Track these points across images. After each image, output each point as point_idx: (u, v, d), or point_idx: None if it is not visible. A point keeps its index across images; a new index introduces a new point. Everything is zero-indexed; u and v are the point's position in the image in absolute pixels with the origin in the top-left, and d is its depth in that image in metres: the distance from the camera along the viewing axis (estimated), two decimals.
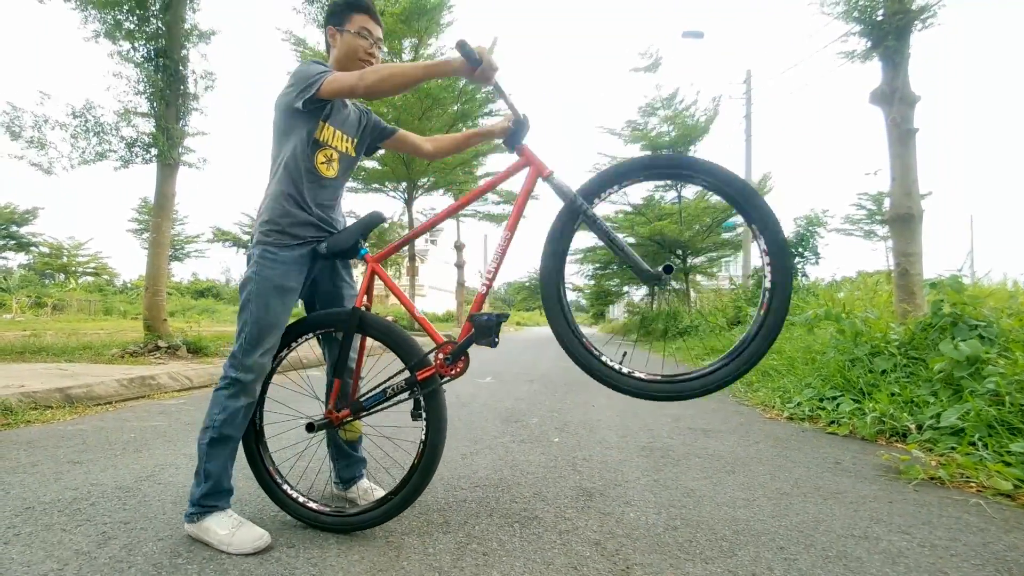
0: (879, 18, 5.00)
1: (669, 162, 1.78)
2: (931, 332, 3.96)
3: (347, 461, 2.23)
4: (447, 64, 1.71)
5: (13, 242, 38.61)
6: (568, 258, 1.84)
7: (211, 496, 1.83)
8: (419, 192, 19.51)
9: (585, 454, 3.04)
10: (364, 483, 2.25)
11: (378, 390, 1.95)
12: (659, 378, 1.70)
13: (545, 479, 2.58)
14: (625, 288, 27.26)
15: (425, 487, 1.88)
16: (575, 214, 1.77)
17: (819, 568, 1.69)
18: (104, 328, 14.39)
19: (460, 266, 24.02)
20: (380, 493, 2.17)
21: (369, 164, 17.17)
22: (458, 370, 1.90)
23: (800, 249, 10.28)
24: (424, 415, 1.88)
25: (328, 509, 1.97)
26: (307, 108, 1.86)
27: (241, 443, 2.00)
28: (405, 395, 1.91)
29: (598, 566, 1.70)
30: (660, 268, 1.66)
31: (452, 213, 2.17)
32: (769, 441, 3.40)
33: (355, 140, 2.12)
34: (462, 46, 1.63)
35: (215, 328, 13.57)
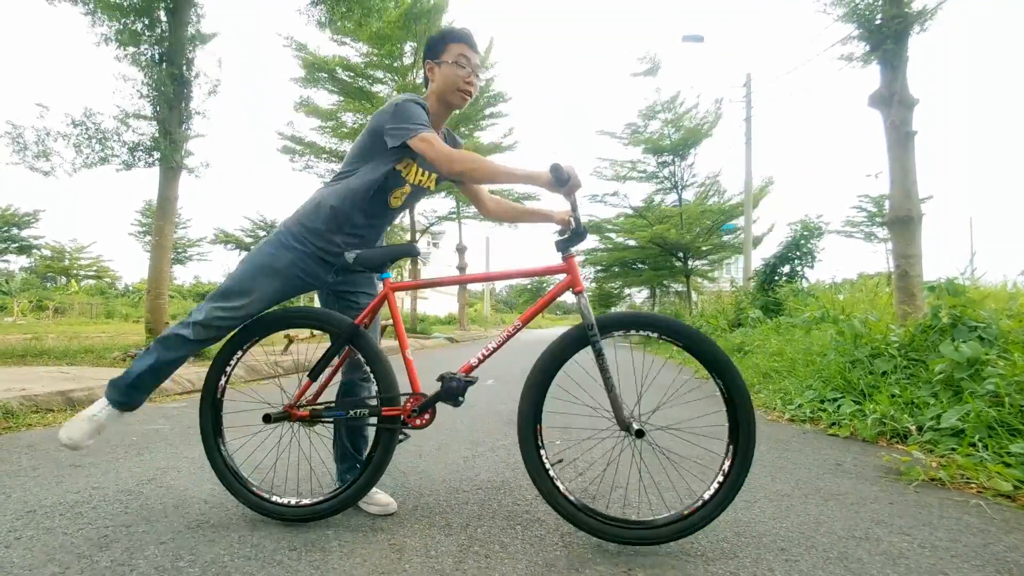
0: (878, 22, 5.02)
1: (687, 336, 1.87)
2: (931, 334, 3.96)
3: (350, 464, 2.23)
4: (538, 177, 1.79)
5: (14, 245, 38.62)
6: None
7: (120, 404, 2.06)
8: None
9: (588, 456, 3.04)
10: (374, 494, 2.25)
11: (341, 409, 2.06)
12: (615, 523, 1.83)
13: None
14: (627, 291, 27.30)
15: (359, 499, 2.03)
16: (584, 341, 1.87)
17: (820, 569, 1.69)
18: (106, 331, 14.41)
19: (462, 269, 24.03)
20: (383, 497, 2.19)
21: None
22: (423, 422, 1.99)
23: (796, 252, 10.28)
24: (374, 447, 2.01)
25: (284, 501, 2.04)
26: (390, 148, 1.96)
27: (202, 441, 2.14)
28: (360, 419, 2.05)
29: (600, 568, 1.70)
30: (636, 427, 1.81)
31: (483, 280, 2.26)
32: (770, 443, 3.41)
33: (435, 176, 2.16)
34: (555, 169, 1.74)
35: None
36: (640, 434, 1.80)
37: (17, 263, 42.02)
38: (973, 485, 2.50)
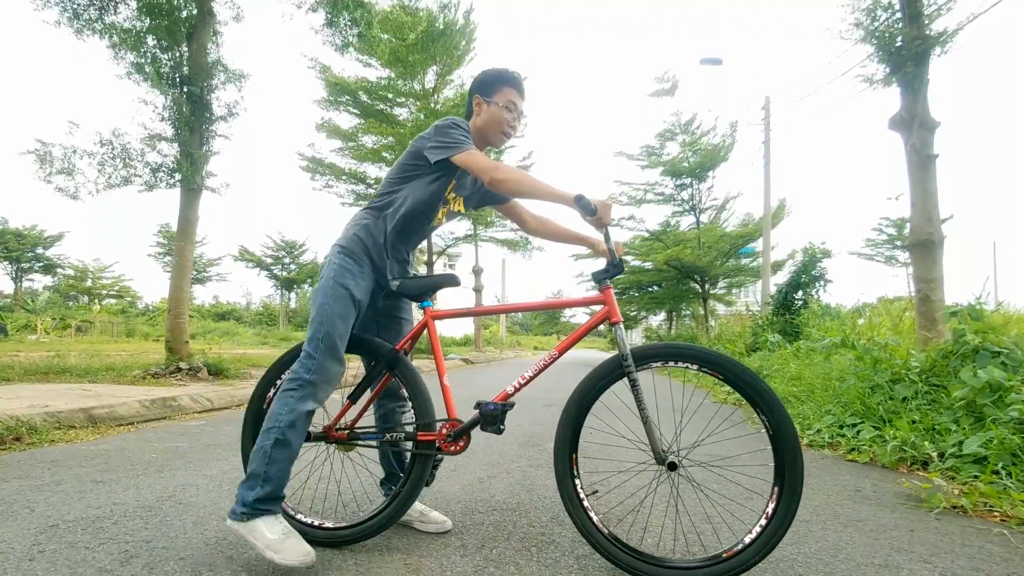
0: (898, 44, 5.03)
1: (727, 369, 1.81)
2: (952, 359, 3.91)
3: (395, 481, 2.24)
4: (569, 199, 1.81)
5: (39, 264, 39.51)
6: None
7: (266, 500, 1.80)
8: None
9: (603, 479, 3.03)
10: (417, 505, 2.26)
11: (377, 432, 2.09)
12: (648, 560, 1.78)
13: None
14: (643, 314, 27.17)
15: (394, 522, 1.99)
16: (620, 372, 1.86)
17: None
18: (126, 349, 14.60)
19: (478, 291, 24.11)
20: (437, 516, 2.23)
21: None
22: (458, 448, 1.99)
23: (806, 277, 10.22)
24: (408, 473, 1.99)
25: (318, 523, 2.03)
26: (435, 167, 2.00)
27: (241, 438, 2.13)
28: (397, 446, 2.09)
29: None
30: (668, 460, 1.80)
31: (520, 310, 2.27)
32: None
33: (463, 199, 2.23)
34: (579, 199, 1.79)
35: (235, 351, 13.71)
36: (672, 467, 1.78)
37: (41, 282, 42.95)
38: (996, 513, 2.45)
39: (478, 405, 1.95)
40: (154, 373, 7.17)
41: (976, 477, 2.81)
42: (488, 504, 2.55)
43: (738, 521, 2.33)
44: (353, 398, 2.12)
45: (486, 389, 8.03)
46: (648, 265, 20.81)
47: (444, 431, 1.99)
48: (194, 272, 34.45)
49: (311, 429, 2.05)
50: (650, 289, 22.45)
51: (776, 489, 1.70)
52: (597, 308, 1.99)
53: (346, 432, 2.09)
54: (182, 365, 7.39)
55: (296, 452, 1.88)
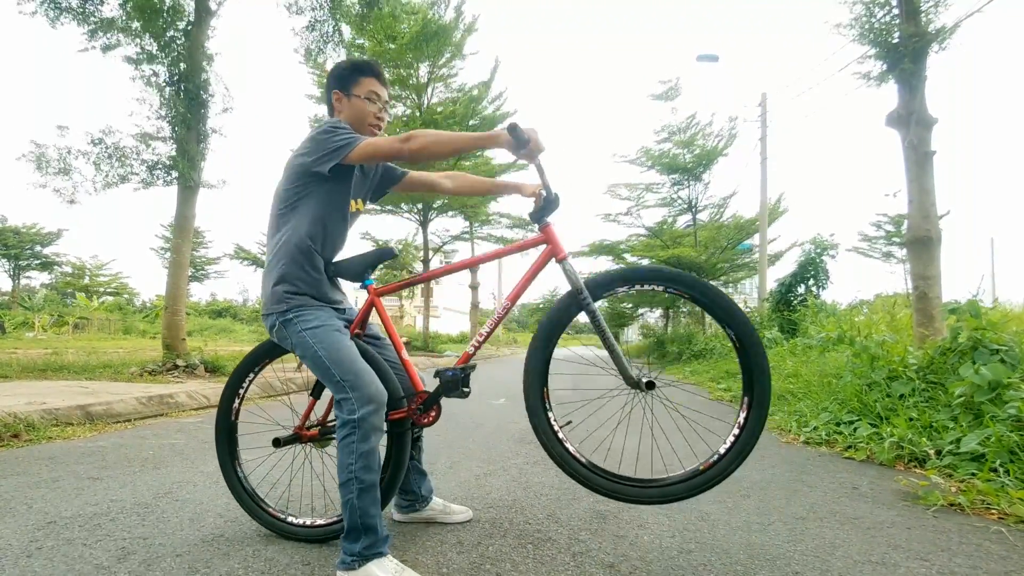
0: (895, 40, 5.01)
1: (692, 286, 1.81)
2: (950, 356, 3.91)
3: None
4: (497, 138, 1.74)
5: (37, 262, 39.44)
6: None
7: (371, 545, 1.69)
8: (434, 213, 19.69)
9: (575, 411, 3.03)
10: (437, 502, 2.28)
11: None
12: (629, 482, 1.81)
13: (559, 501, 2.57)
14: (640, 311, 27.15)
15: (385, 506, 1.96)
16: (577, 306, 1.83)
17: None
18: (123, 347, 14.59)
19: (474, 288, 24.12)
20: (458, 508, 2.28)
21: None
22: (430, 419, 1.97)
23: (810, 272, 10.21)
24: (388, 456, 1.95)
25: (300, 522, 2.04)
26: (332, 173, 1.83)
27: (220, 465, 2.12)
28: None
29: None
30: (644, 381, 1.77)
31: (464, 268, 2.22)
32: (785, 465, 3.37)
33: (361, 198, 2.13)
34: (513, 128, 1.69)
35: (232, 348, 13.69)
36: (651, 386, 1.76)
37: (39, 279, 42.89)
38: (994, 511, 2.45)
39: (437, 373, 1.93)
40: (151, 370, 7.16)
41: (974, 475, 2.81)
42: (484, 501, 2.55)
43: (713, 435, 2.24)
44: (315, 394, 2.10)
45: (484, 384, 8.03)
46: (646, 262, 20.81)
47: (413, 406, 1.96)
48: (192, 270, 34.41)
49: (280, 435, 2.07)
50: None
51: (746, 399, 1.76)
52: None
53: (318, 429, 2.09)
54: (179, 362, 7.38)
55: (377, 484, 1.76)
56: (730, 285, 24.16)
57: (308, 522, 2.04)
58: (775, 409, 5.24)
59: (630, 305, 25.07)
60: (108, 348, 13.32)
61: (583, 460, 1.83)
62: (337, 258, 2.06)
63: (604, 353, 1.88)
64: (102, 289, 42.79)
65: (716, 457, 1.76)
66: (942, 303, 4.76)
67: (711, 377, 8.84)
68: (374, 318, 2.14)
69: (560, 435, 1.84)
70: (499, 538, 2.09)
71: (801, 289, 10.37)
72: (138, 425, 4.40)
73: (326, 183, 1.89)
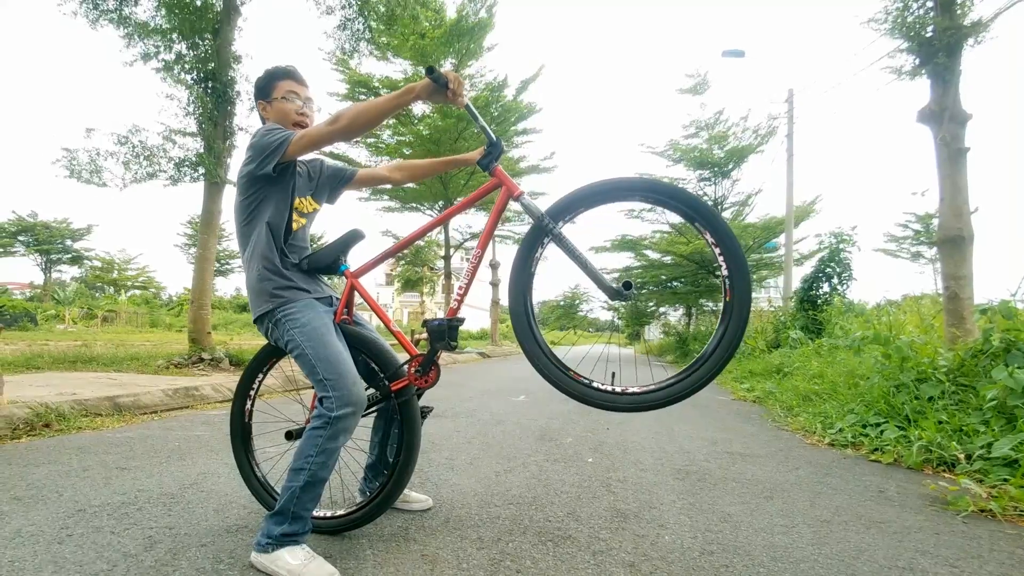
0: (928, 34, 4.89)
1: (666, 193, 1.78)
2: (982, 358, 3.81)
3: (376, 472, 2.24)
4: (411, 90, 1.74)
5: (68, 256, 40.42)
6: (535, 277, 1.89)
7: (292, 534, 1.74)
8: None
9: (619, 475, 3.02)
10: (409, 493, 2.34)
11: None
12: (619, 391, 1.76)
13: (579, 499, 2.57)
14: (661, 309, 26.96)
15: (404, 487, 2.00)
16: (542, 233, 1.82)
17: None
18: (150, 340, 14.87)
19: (495, 284, 24.13)
20: (416, 494, 2.33)
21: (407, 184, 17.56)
22: (430, 381, 2.00)
23: (831, 266, 9.98)
24: (402, 424, 1.99)
25: (320, 514, 2.04)
26: (277, 172, 1.89)
27: (236, 464, 2.17)
28: (380, 404, 2.07)
29: None
30: (620, 284, 1.72)
31: (430, 229, 2.22)
32: (809, 467, 3.32)
33: (310, 196, 2.15)
34: (431, 70, 1.70)
35: (256, 342, 13.88)
36: (628, 286, 1.71)
37: (69, 273, 43.93)
38: None
39: (425, 323, 1.96)
40: (177, 363, 7.29)
41: (1006, 480, 2.73)
42: (504, 498, 2.55)
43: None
44: None
45: (504, 382, 8.04)
46: (668, 259, 20.63)
47: (412, 369, 1.98)
48: (217, 264, 34.92)
49: (291, 429, 2.10)
50: (670, 285, 22.27)
51: (727, 301, 1.70)
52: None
53: None
54: (204, 356, 7.50)
55: (325, 483, 1.81)
56: (756, 285, 23.89)
57: (329, 514, 2.05)
58: (800, 410, 5.17)
59: (652, 303, 24.91)
60: (136, 341, 13.61)
61: (584, 381, 1.79)
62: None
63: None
64: (130, 283, 43.69)
65: (701, 361, 1.69)
66: (974, 304, 4.64)
67: (734, 377, 8.74)
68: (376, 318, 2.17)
69: (535, 329, 1.84)
70: (519, 535, 2.09)
71: (826, 287, 10.15)
72: (164, 417, 4.48)
73: (275, 185, 1.95)
